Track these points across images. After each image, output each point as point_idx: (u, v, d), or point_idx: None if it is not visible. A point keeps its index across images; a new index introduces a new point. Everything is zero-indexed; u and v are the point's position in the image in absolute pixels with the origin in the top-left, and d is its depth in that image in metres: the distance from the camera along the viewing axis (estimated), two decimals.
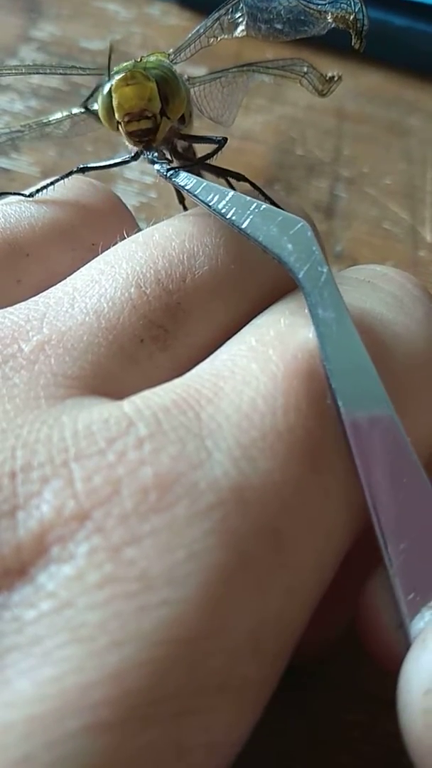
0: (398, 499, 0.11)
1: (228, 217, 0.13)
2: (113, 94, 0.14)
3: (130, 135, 0.15)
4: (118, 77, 0.14)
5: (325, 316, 0.12)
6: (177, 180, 0.15)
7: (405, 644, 0.10)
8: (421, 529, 0.10)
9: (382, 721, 0.14)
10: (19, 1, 0.32)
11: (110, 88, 0.14)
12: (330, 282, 0.12)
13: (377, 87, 0.30)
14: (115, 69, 0.15)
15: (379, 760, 0.14)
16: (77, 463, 0.10)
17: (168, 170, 0.15)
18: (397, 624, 0.10)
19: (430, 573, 0.10)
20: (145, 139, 0.15)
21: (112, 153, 0.16)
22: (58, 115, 0.18)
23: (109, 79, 0.15)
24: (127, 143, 0.15)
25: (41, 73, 0.19)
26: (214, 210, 0.13)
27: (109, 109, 0.15)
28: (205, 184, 0.14)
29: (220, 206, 0.13)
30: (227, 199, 0.13)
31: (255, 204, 0.13)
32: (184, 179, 0.14)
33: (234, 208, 0.13)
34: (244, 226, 0.13)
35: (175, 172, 0.15)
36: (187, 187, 0.14)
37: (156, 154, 0.15)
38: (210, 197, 0.14)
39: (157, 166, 0.15)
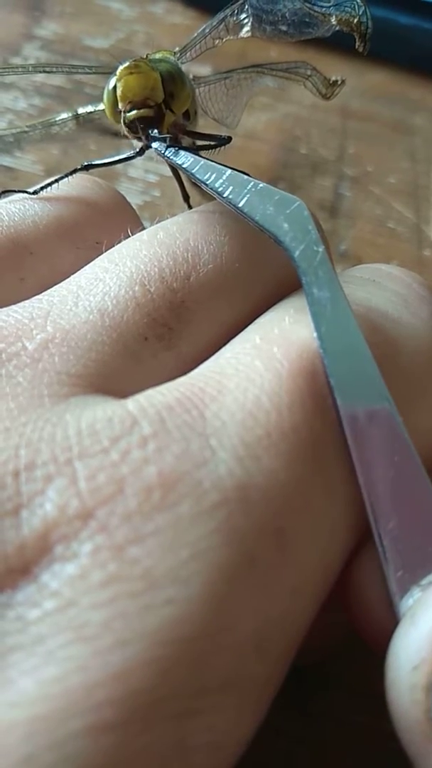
0: (388, 477, 0.11)
1: (225, 195, 0.13)
2: (117, 84, 0.14)
3: (131, 124, 0.15)
4: (122, 67, 0.14)
5: (320, 295, 0.12)
6: (175, 159, 0.14)
7: (394, 622, 0.10)
8: (410, 508, 0.11)
9: (386, 723, 0.14)
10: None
11: (114, 83, 0.14)
12: (325, 261, 0.12)
13: (382, 85, 0.30)
14: (120, 63, 0.15)
15: (382, 762, 0.14)
16: (81, 461, 0.10)
17: (167, 147, 0.15)
18: (386, 601, 0.10)
19: (419, 551, 0.10)
20: (147, 129, 0.15)
21: (116, 151, 0.16)
22: (63, 116, 0.18)
23: (113, 75, 0.15)
24: (130, 138, 0.15)
25: (46, 72, 0.19)
26: (210, 188, 0.13)
27: (114, 102, 0.15)
28: (202, 162, 0.14)
29: (217, 185, 0.13)
30: (224, 177, 0.13)
31: (252, 183, 0.13)
32: (182, 158, 0.14)
33: (231, 187, 0.13)
34: (240, 204, 0.13)
35: (174, 150, 0.15)
36: (184, 165, 0.14)
37: (156, 131, 0.15)
38: (207, 176, 0.14)
39: (155, 144, 0.15)
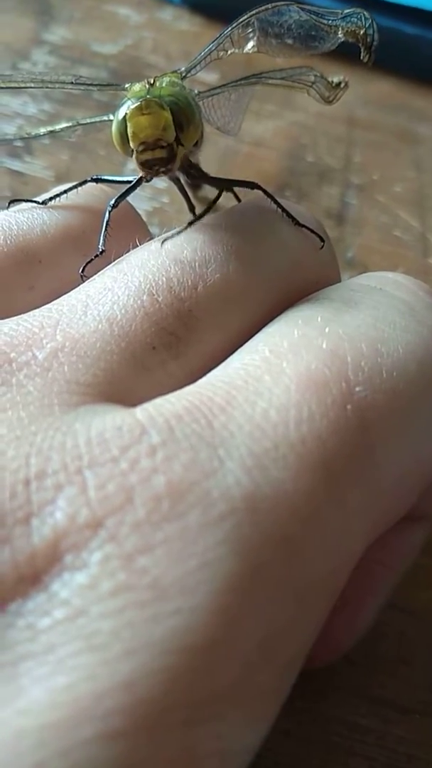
0: None
1: None
2: (128, 123, 0.14)
3: (144, 164, 0.14)
4: (133, 106, 0.14)
5: None
6: None
7: None
8: None
9: (394, 727, 0.14)
10: (32, 4, 0.32)
11: (125, 115, 0.14)
12: None
13: (387, 95, 0.30)
14: (128, 94, 0.15)
15: (391, 766, 0.14)
16: (91, 470, 0.10)
17: None
18: None
19: None
20: (160, 169, 0.14)
21: (124, 158, 0.16)
22: (67, 125, 0.18)
23: (123, 103, 0.14)
24: (139, 171, 0.15)
25: (49, 88, 0.18)
26: None
27: (123, 135, 0.14)
28: None
29: None
30: None
31: None
32: None
33: None
34: None
35: None
36: None
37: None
38: None
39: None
